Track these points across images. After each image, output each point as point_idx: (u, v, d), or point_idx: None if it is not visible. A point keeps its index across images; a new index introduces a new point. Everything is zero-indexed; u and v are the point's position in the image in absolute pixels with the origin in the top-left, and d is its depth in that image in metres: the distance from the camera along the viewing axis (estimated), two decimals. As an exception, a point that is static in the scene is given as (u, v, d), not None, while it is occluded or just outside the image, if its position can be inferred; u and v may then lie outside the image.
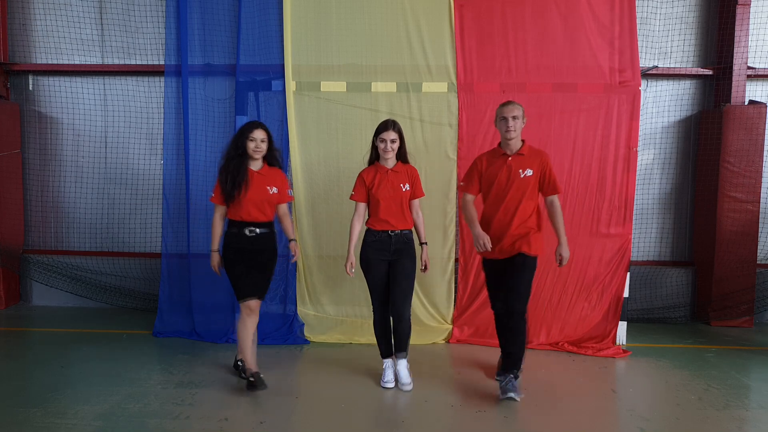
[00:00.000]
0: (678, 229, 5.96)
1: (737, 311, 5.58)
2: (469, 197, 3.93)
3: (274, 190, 3.87)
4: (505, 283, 3.77)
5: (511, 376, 3.72)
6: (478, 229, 3.81)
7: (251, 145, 3.78)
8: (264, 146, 3.83)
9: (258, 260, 3.86)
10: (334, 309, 5.13)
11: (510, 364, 3.75)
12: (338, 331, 4.94)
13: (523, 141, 3.80)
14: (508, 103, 3.78)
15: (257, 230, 3.84)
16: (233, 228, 3.86)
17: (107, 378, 4.03)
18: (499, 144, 3.86)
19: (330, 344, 4.82)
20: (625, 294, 4.94)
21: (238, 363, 3.98)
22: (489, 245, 3.70)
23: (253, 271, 3.85)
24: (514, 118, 3.70)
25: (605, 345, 4.80)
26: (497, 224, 3.77)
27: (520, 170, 3.74)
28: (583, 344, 4.84)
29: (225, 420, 3.46)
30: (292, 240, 4.06)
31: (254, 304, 3.85)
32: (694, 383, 4.12)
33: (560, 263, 3.80)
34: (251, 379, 3.78)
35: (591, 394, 3.93)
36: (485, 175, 3.84)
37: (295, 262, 4.70)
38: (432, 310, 5.06)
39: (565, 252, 3.80)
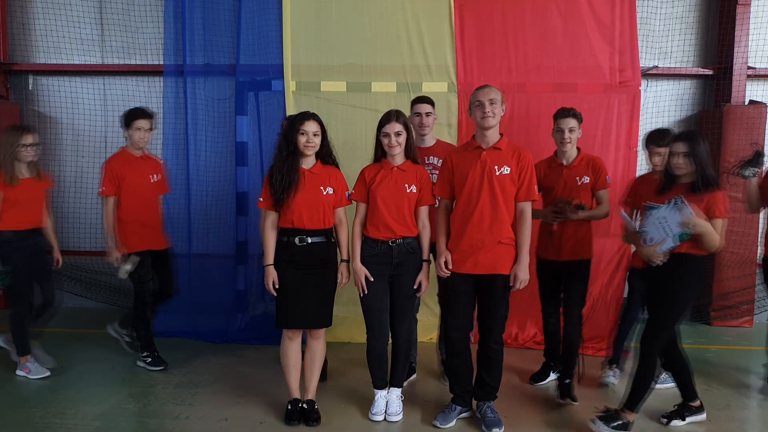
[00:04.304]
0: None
1: (737, 311, 5.58)
2: (443, 203, 3.41)
3: (329, 190, 3.32)
4: (481, 307, 3.31)
5: (490, 403, 3.40)
6: (442, 245, 3.33)
7: (302, 140, 3.24)
8: (317, 141, 3.28)
9: (312, 276, 3.30)
10: (335, 308, 5.10)
11: (485, 395, 3.40)
12: (338, 330, 4.92)
13: (501, 134, 3.30)
14: (484, 86, 3.25)
15: (309, 239, 3.28)
16: (283, 237, 3.31)
17: (107, 378, 4.04)
18: (473, 136, 3.36)
19: (329, 343, 4.81)
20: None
21: (304, 405, 3.47)
22: (449, 266, 3.27)
23: (307, 291, 3.29)
24: (491, 102, 3.15)
25: (605, 345, 4.79)
26: (472, 232, 3.20)
27: (496, 167, 3.18)
28: (588, 344, 4.83)
29: (225, 420, 3.46)
30: (343, 261, 3.43)
31: (294, 333, 3.40)
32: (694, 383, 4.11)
33: (514, 286, 3.23)
34: (304, 406, 3.45)
35: (591, 394, 3.93)
36: (456, 172, 3.28)
37: None
38: (430, 303, 5.03)
39: (523, 273, 3.21)
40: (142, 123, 4.15)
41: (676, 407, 3.48)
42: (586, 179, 3.70)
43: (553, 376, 4.03)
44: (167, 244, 4.43)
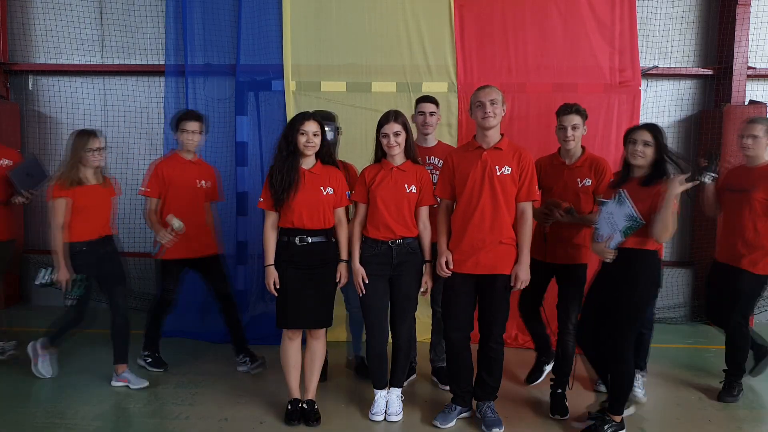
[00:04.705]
0: (678, 229, 5.93)
1: (737, 311, 5.57)
2: (444, 203, 3.39)
3: (329, 191, 3.32)
4: (482, 307, 3.31)
5: (490, 403, 3.40)
6: (443, 245, 3.32)
7: (302, 140, 3.24)
8: (317, 141, 3.28)
9: (312, 276, 3.30)
10: (335, 308, 5.09)
11: (485, 395, 3.40)
12: (338, 330, 4.91)
13: (501, 134, 3.28)
14: (485, 86, 3.24)
15: (309, 239, 3.29)
16: (284, 237, 3.32)
17: (107, 378, 4.03)
18: (474, 136, 3.34)
19: (329, 343, 4.81)
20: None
21: (304, 405, 3.47)
22: (450, 266, 3.26)
23: (307, 291, 3.30)
24: (492, 102, 3.15)
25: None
26: (472, 232, 3.20)
27: (497, 167, 3.17)
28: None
29: (225, 420, 3.46)
30: (341, 261, 3.41)
31: (294, 333, 3.40)
32: (694, 383, 4.12)
33: (515, 285, 3.23)
34: (304, 406, 3.46)
35: (591, 394, 3.93)
36: (457, 173, 3.28)
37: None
38: (429, 301, 5.01)
39: (524, 273, 3.20)
40: (190, 125, 4.06)
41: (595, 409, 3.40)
42: (588, 182, 3.52)
43: (548, 368, 3.96)
44: (215, 250, 4.27)
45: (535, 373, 4.09)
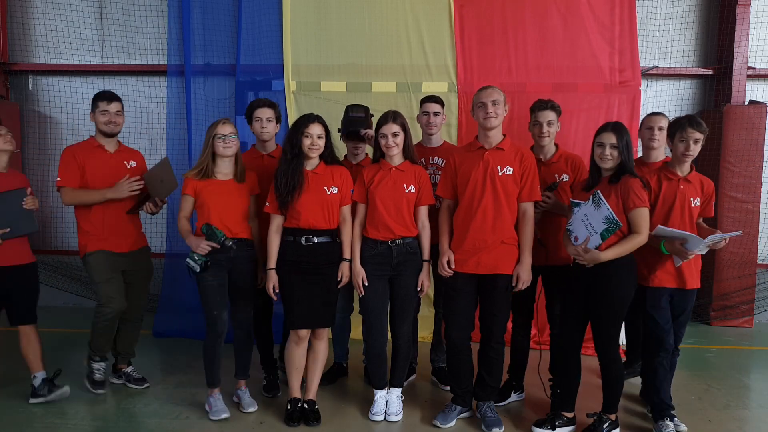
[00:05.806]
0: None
1: (737, 311, 5.58)
2: (445, 202, 3.39)
3: (334, 190, 3.30)
4: (483, 307, 3.30)
5: (490, 403, 3.39)
6: (445, 244, 3.33)
7: (306, 142, 3.23)
8: (321, 143, 3.27)
9: (318, 276, 3.30)
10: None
11: (486, 395, 3.39)
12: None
13: (504, 135, 3.30)
14: (487, 87, 3.25)
15: (315, 239, 3.29)
16: (288, 237, 3.30)
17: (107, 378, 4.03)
18: (476, 137, 3.36)
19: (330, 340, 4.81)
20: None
21: (304, 405, 3.45)
22: (451, 266, 3.26)
23: (314, 291, 3.29)
24: (494, 103, 3.17)
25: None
26: (474, 232, 3.21)
27: (498, 167, 3.19)
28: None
29: (225, 420, 3.46)
30: (343, 260, 3.38)
31: (305, 333, 3.36)
32: (694, 383, 4.11)
33: (516, 286, 3.23)
34: (305, 405, 3.44)
35: (591, 394, 3.92)
36: (459, 173, 3.29)
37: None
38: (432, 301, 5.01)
39: (525, 273, 3.21)
40: (261, 112, 3.66)
41: (548, 414, 3.36)
42: (566, 177, 3.46)
43: (515, 397, 3.74)
44: None
45: (502, 394, 3.71)
